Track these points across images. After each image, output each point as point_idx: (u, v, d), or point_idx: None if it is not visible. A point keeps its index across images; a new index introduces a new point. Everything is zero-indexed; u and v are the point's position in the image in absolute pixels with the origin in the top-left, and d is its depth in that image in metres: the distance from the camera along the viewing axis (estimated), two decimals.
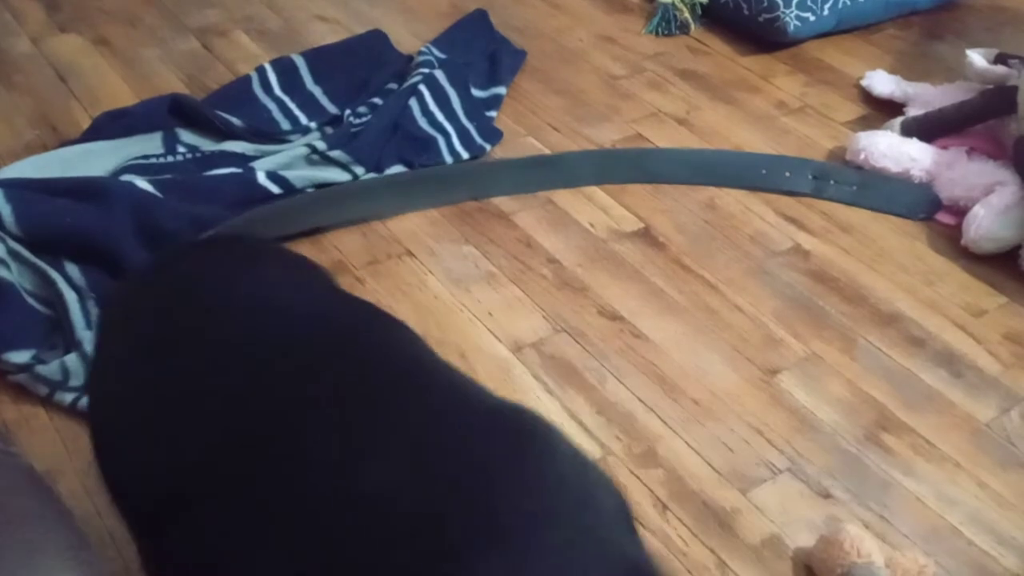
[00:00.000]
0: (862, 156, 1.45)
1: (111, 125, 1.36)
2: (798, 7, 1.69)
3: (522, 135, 1.51)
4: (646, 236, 1.34)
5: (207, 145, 1.39)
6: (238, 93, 1.50)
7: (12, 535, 0.54)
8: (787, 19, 1.68)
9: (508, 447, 0.53)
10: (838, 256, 1.32)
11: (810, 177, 1.36)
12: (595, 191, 1.40)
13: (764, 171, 1.34)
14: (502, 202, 1.38)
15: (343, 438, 0.54)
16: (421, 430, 0.54)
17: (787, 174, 1.34)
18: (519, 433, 0.55)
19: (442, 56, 1.59)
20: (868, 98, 1.61)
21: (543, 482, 0.52)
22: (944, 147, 1.45)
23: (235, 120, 1.41)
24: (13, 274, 1.12)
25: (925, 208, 1.39)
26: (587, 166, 1.36)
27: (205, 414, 0.58)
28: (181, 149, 1.36)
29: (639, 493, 1.01)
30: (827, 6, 1.72)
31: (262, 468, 0.54)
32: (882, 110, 1.58)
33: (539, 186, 1.38)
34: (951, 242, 1.34)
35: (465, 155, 1.43)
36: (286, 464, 0.53)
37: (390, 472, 0.51)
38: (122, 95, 1.51)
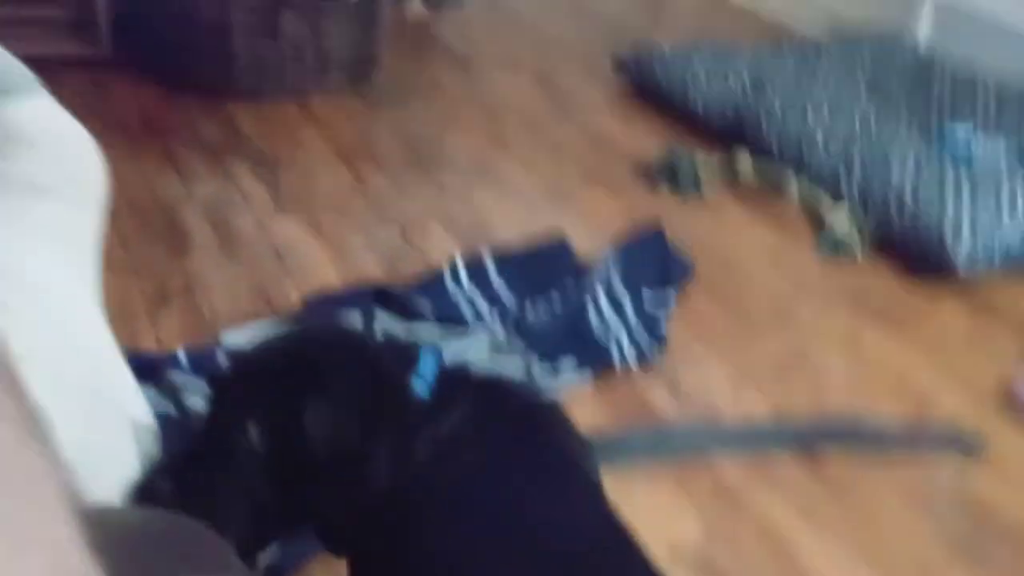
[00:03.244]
0: None
1: (321, 308, 1.52)
2: (967, 242, 1.73)
3: (688, 343, 1.58)
4: (807, 455, 1.37)
5: (398, 328, 1.53)
6: (431, 287, 1.64)
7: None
8: (956, 253, 1.73)
9: None
10: (1002, 496, 1.31)
11: (865, 433, 1.40)
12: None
13: (820, 432, 1.40)
14: (666, 405, 1.44)
15: None
16: None
17: (843, 430, 1.41)
18: None
19: (618, 263, 1.71)
20: None
21: None
22: None
23: (427, 304, 1.55)
24: None
25: (979, 446, 1.39)
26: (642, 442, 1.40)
27: None
28: (376, 329, 1.51)
29: None
30: (996, 241, 1.75)
31: None
32: None
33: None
34: None
35: (634, 358, 1.51)
36: None
37: None
38: (328, 274, 1.68)
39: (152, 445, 0.98)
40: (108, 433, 0.92)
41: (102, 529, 0.35)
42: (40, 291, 0.95)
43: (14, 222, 0.97)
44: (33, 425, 0.34)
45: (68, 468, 0.34)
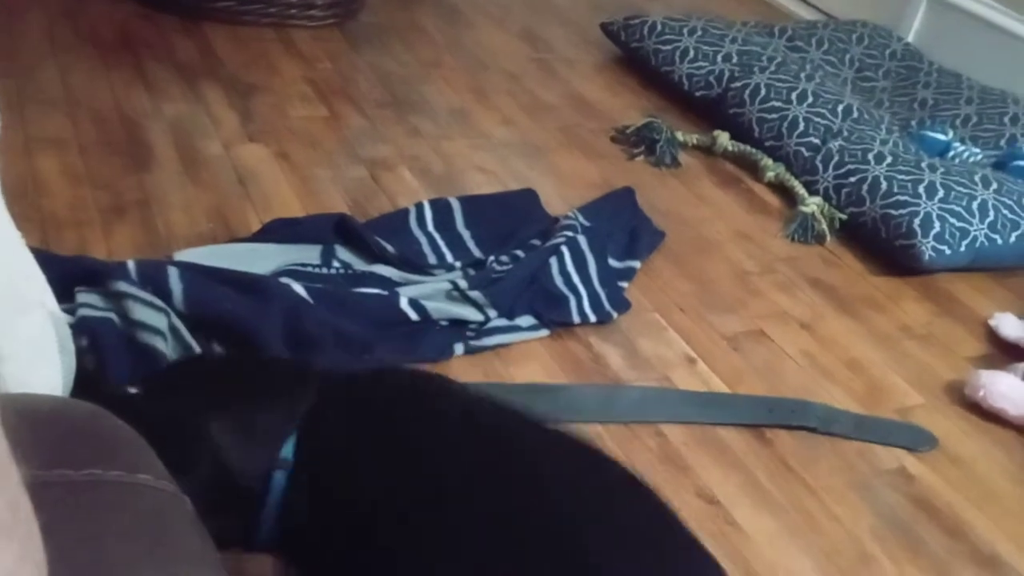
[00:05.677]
0: (981, 393, 1.46)
1: (281, 230, 1.48)
2: (935, 239, 1.74)
3: (649, 310, 1.57)
4: (754, 430, 1.36)
5: (359, 264, 1.50)
6: (395, 223, 1.62)
7: None
8: (923, 248, 1.73)
9: None
10: (943, 487, 1.32)
11: (814, 417, 1.40)
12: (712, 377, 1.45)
13: (770, 410, 1.40)
14: (620, 368, 1.43)
15: None
16: None
17: (792, 411, 1.40)
18: None
19: (586, 223, 1.68)
20: (994, 338, 1.62)
21: None
22: None
23: (388, 246, 1.52)
24: (168, 347, 1.23)
25: (927, 442, 1.40)
26: (592, 400, 1.39)
27: None
28: (336, 264, 1.47)
29: None
30: (964, 243, 1.76)
31: None
32: (1007, 353, 1.59)
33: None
34: None
35: (593, 318, 1.50)
36: None
37: None
38: (292, 206, 1.64)
39: (70, 340, 0.95)
40: (30, 326, 0.88)
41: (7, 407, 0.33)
42: None
43: None
44: None
45: None
